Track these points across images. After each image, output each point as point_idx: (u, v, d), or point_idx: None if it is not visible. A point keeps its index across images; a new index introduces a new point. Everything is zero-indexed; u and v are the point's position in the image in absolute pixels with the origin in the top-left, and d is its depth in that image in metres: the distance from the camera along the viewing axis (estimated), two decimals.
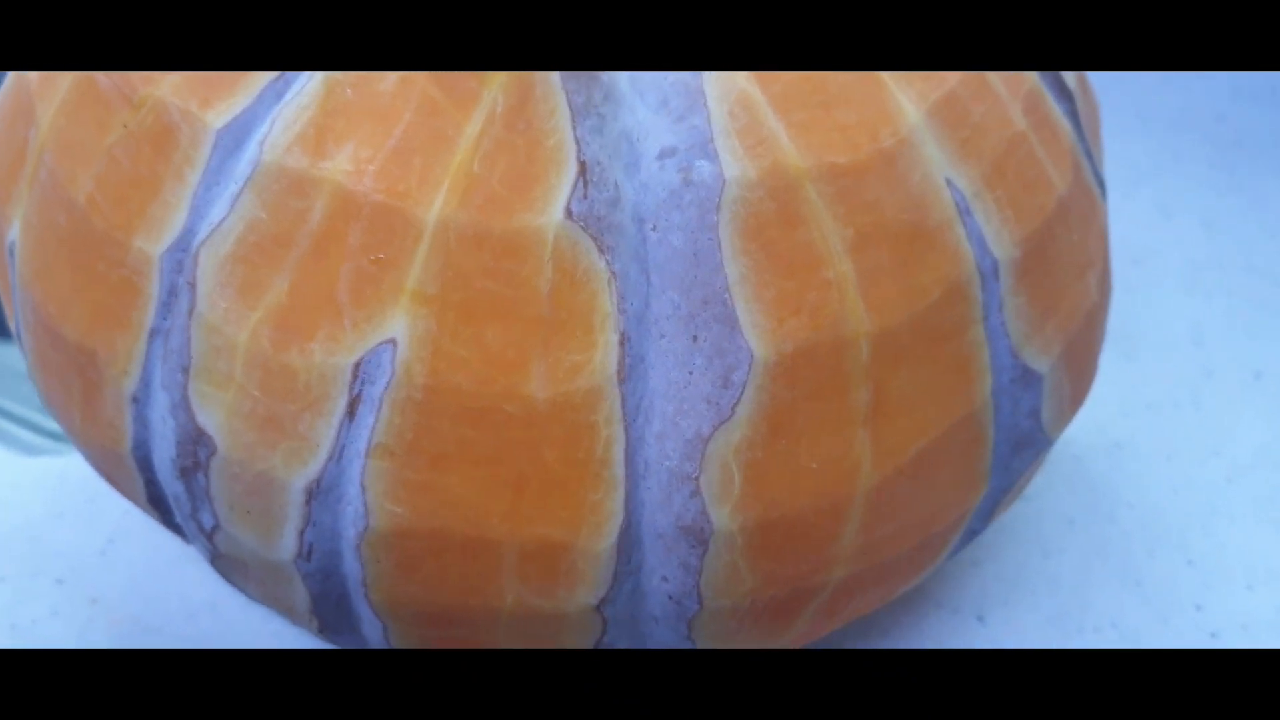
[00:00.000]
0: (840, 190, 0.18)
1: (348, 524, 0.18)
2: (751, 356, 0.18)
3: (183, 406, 0.19)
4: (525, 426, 0.18)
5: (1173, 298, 0.38)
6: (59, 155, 0.20)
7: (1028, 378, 0.21)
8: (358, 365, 0.17)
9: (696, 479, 0.18)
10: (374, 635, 0.20)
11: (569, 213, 0.18)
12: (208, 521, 0.20)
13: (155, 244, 0.19)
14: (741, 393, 0.18)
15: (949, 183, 0.19)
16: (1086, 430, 0.34)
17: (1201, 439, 0.34)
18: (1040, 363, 0.21)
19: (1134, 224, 0.41)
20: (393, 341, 0.17)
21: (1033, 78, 0.22)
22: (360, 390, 0.18)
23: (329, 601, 0.20)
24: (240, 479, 0.19)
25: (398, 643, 0.20)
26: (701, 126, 0.18)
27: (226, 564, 0.21)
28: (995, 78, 0.21)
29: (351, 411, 0.18)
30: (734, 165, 0.18)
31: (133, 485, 0.21)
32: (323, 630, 0.20)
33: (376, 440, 0.18)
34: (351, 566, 0.19)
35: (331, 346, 0.18)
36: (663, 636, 0.20)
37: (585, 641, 0.20)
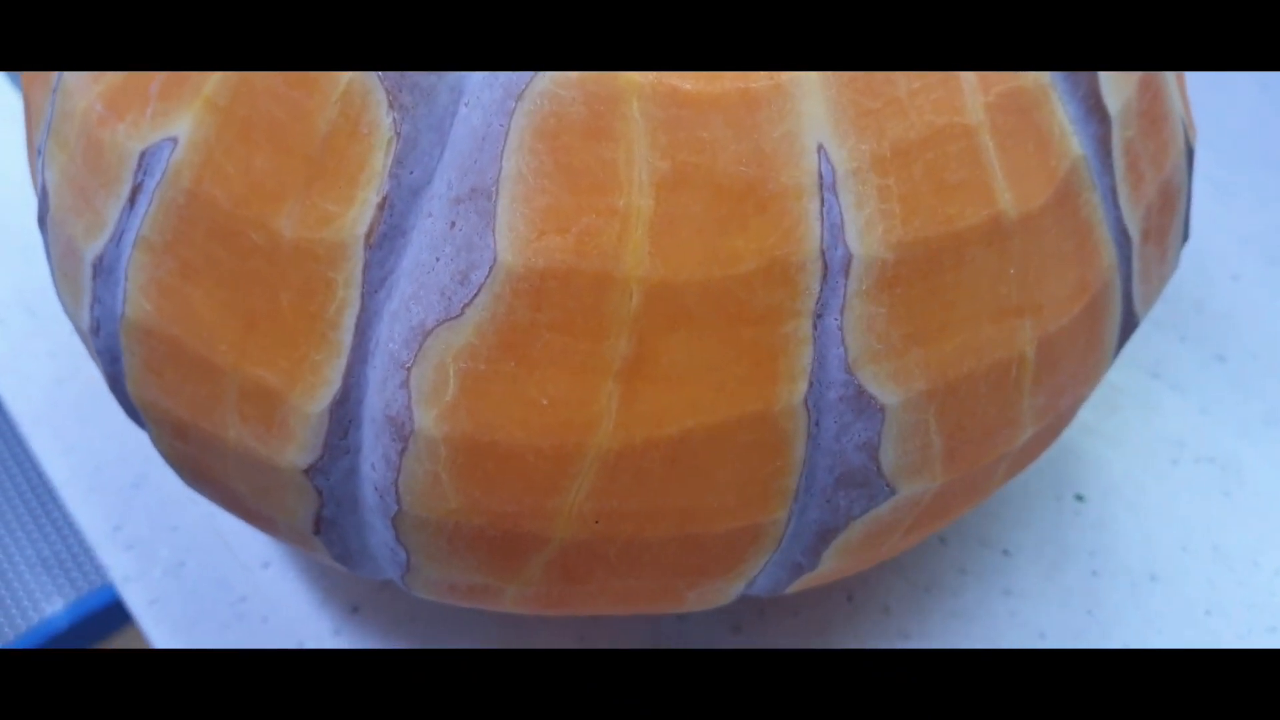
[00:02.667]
0: (672, 119, 0.16)
1: (117, 307, 0.19)
2: (495, 260, 0.16)
3: (41, 160, 0.20)
4: (267, 261, 0.17)
5: None
6: None
7: (863, 403, 0.17)
8: (144, 154, 0.18)
9: (408, 369, 0.17)
10: (145, 430, 0.21)
11: None
12: (50, 275, 0.21)
13: None
14: (475, 294, 0.16)
15: (821, 150, 0.17)
16: (1130, 549, 0.28)
17: (1264, 608, 0.27)
18: (886, 392, 0.17)
19: None
20: (174, 140, 0.17)
21: (1039, 80, 0.18)
22: (142, 180, 0.18)
23: (118, 385, 0.20)
24: (59, 240, 0.20)
25: (158, 445, 0.20)
26: None
27: (73, 324, 0.22)
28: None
29: (133, 198, 0.18)
30: None
31: None
32: (125, 411, 0.21)
33: (143, 233, 0.18)
34: (120, 353, 0.19)
35: (131, 131, 0.18)
36: (379, 533, 0.19)
37: (307, 511, 0.19)
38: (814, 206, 0.17)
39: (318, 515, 0.19)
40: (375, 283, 0.17)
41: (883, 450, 0.18)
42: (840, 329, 0.17)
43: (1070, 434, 0.31)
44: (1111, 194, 0.20)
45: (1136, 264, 0.21)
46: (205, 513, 0.28)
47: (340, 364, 0.17)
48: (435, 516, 0.18)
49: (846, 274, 0.17)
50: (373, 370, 0.17)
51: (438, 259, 0.17)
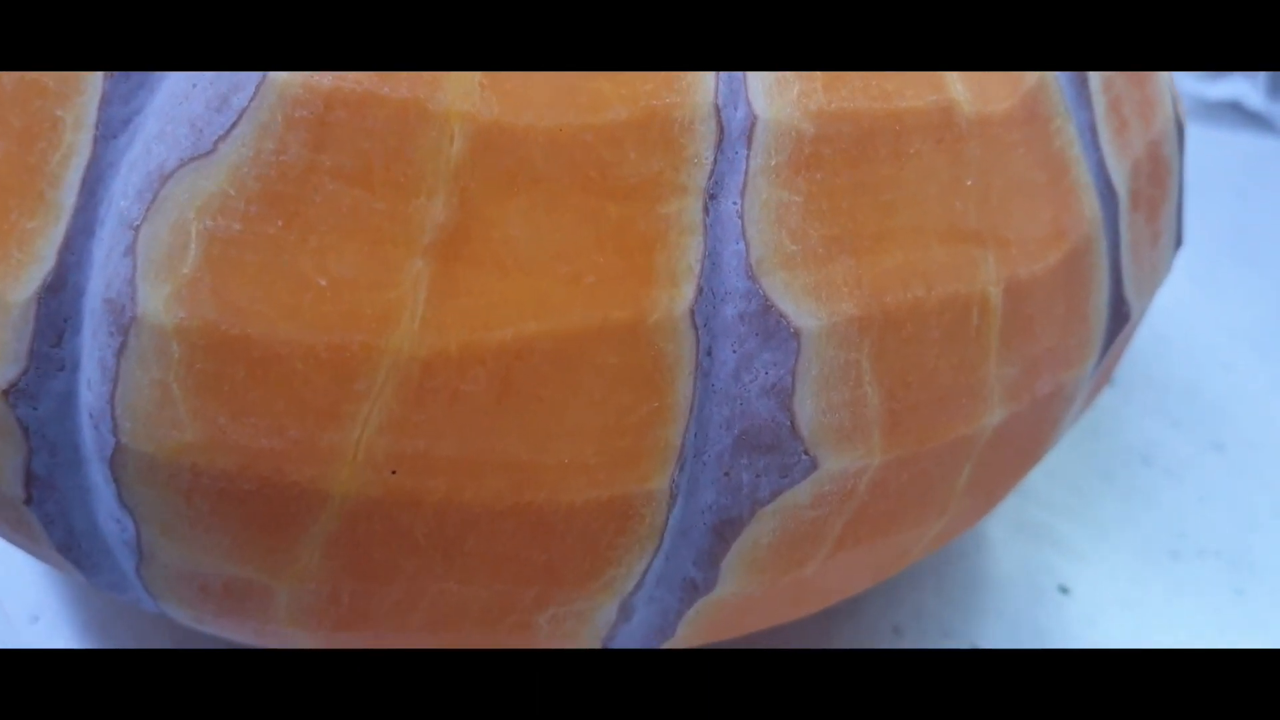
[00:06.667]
0: None
1: None
2: (263, 76, 0.12)
3: None
4: None
5: None
6: None
7: (771, 323, 0.13)
8: None
9: (137, 229, 0.12)
10: None
11: None
12: None
13: None
14: (234, 124, 0.12)
15: None
16: (1099, 568, 0.23)
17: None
18: (803, 311, 0.13)
19: None
20: None
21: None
22: None
23: None
24: None
25: None
26: None
27: None
28: None
29: None
30: None
31: None
32: None
33: None
34: None
35: None
36: (105, 498, 0.14)
37: (14, 463, 0.14)
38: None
39: (27, 470, 0.14)
40: (115, 124, 0.13)
41: (798, 397, 0.13)
42: (740, 216, 0.13)
43: (1049, 518, 0.26)
44: (1091, 132, 0.16)
45: (1126, 232, 0.17)
46: None
47: (57, 233, 0.13)
48: (165, 454, 0.13)
49: (749, 142, 0.13)
50: (99, 244, 0.13)
51: (195, 85, 0.12)
